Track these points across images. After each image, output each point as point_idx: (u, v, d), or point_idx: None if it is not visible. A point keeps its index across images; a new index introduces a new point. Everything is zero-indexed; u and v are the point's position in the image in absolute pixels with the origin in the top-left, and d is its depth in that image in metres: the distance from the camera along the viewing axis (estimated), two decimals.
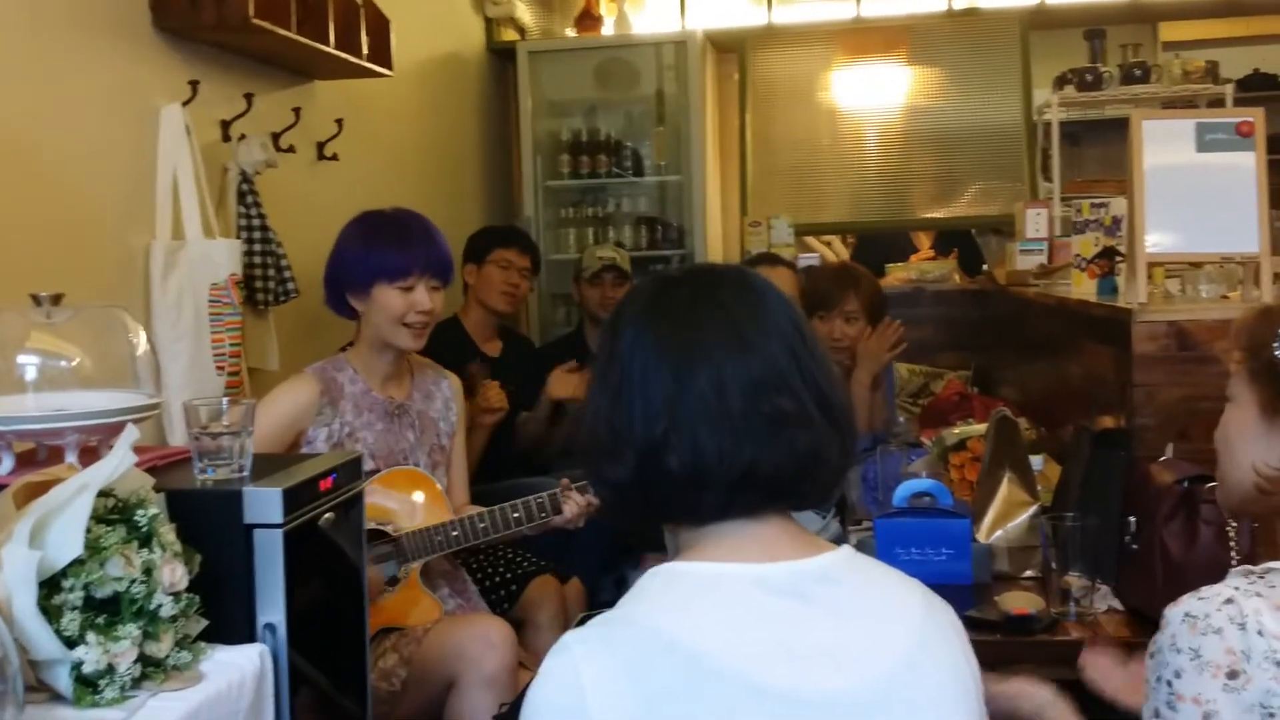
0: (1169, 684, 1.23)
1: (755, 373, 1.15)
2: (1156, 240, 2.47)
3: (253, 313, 3.02)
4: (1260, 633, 1.20)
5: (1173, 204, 2.46)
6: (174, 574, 1.51)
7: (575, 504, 2.51)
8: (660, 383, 1.16)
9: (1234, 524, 1.91)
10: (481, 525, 2.52)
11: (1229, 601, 1.22)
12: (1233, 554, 1.88)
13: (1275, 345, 1.33)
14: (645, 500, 1.18)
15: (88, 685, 1.42)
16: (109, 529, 1.46)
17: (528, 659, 2.53)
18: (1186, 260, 2.70)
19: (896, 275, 4.76)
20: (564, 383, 3.64)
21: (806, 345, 1.20)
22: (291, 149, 3.35)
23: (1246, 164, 2.46)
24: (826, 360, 1.22)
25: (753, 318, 1.18)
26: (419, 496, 2.56)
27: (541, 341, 4.67)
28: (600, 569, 3.45)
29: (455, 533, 2.52)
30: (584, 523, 2.55)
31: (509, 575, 2.94)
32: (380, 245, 2.52)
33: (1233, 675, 1.19)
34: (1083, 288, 3.06)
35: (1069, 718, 1.45)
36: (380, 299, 2.52)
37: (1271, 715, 1.18)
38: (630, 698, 1.06)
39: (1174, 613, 1.26)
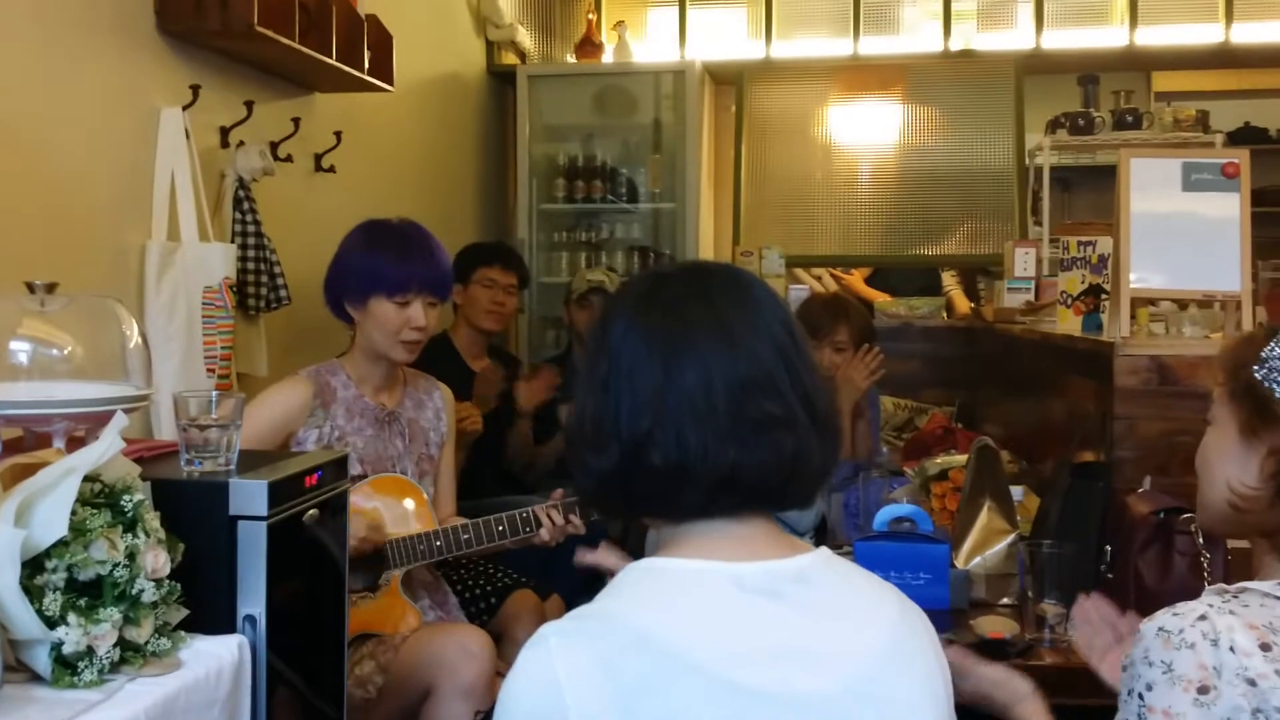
0: (1140, 696, 1.24)
1: (743, 372, 1.16)
2: (1141, 276, 2.50)
3: (244, 318, 3.04)
4: (1232, 649, 1.21)
5: (1158, 241, 2.49)
6: (157, 560, 1.52)
7: (554, 523, 2.50)
8: (648, 377, 1.16)
9: (1208, 554, 1.93)
10: (465, 536, 2.52)
11: (1203, 618, 1.24)
12: (1206, 583, 1.89)
13: (1255, 367, 1.35)
14: (627, 494, 1.19)
15: (67, 666, 1.43)
16: (94, 512, 1.47)
17: (505, 670, 2.52)
18: (1169, 297, 2.74)
19: (885, 311, 4.79)
20: (529, 391, 3.67)
21: (796, 346, 1.20)
22: (289, 158, 3.37)
23: (1231, 205, 2.50)
24: (814, 363, 1.22)
25: (742, 317, 1.19)
26: (405, 504, 2.56)
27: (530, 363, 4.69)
28: (582, 587, 3.43)
29: (439, 542, 2.51)
30: (564, 538, 2.55)
31: (489, 588, 2.94)
32: (380, 257, 2.52)
33: (1203, 690, 1.21)
34: (1068, 324, 3.09)
35: (1041, 717, 1.46)
36: (376, 311, 2.52)
37: None
38: (605, 691, 1.07)
39: (1148, 627, 1.27)
